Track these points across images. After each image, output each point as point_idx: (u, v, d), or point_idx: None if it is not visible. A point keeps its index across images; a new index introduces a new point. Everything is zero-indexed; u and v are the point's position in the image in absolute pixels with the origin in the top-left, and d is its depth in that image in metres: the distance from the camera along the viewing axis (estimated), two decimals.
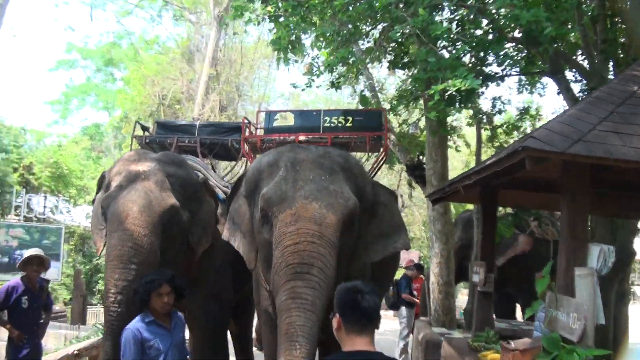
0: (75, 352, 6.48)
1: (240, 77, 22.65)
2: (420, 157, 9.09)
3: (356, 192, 4.33)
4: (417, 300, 10.03)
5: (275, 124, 8.11)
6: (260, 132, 8.26)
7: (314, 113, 8.60)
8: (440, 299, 7.73)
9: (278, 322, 3.72)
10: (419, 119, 10.70)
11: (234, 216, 4.94)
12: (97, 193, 5.94)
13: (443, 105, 5.91)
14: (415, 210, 22.43)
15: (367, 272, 4.89)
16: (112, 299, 4.58)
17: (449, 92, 5.45)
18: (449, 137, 11.50)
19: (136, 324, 3.95)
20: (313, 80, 7.57)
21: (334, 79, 7.67)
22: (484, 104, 10.36)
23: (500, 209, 8.68)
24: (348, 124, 7.66)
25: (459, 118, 12.53)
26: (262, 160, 4.70)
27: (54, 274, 14.60)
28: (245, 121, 8.33)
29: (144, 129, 9.20)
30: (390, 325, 13.16)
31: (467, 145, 11.43)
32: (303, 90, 8.35)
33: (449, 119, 9.33)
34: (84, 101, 32.14)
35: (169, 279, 4.00)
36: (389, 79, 16.97)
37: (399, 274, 10.98)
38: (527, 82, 9.61)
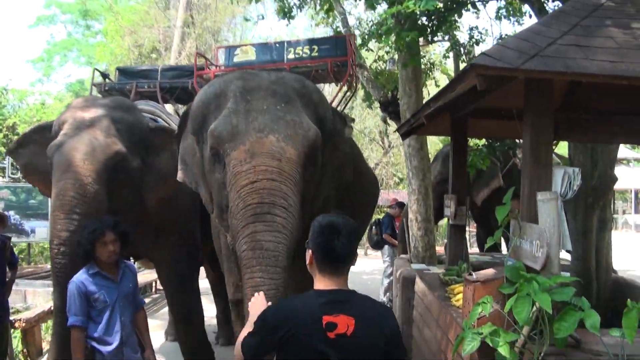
0: (52, 308, 6.34)
1: (217, 22, 22.12)
2: (394, 93, 8.81)
3: (317, 122, 3.92)
4: (396, 242, 9.95)
5: (235, 59, 7.74)
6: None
7: (277, 45, 8.20)
8: (420, 235, 7.59)
9: (242, 279, 3.37)
10: (394, 54, 10.36)
11: (185, 156, 4.47)
12: None
13: (411, 34, 5.65)
14: (402, 149, 22.27)
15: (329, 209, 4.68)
16: (56, 251, 4.43)
17: (412, 17, 5.16)
18: (429, 72, 11.27)
19: (80, 277, 3.79)
20: (290, 17, 7.20)
21: (286, 7, 7.31)
22: (462, 36, 9.98)
23: (477, 141, 8.51)
24: (314, 54, 7.32)
25: (440, 52, 12.24)
26: (207, 91, 4.12)
27: (43, 233, 14.45)
28: (199, 57, 7.94)
29: (104, 76, 8.88)
30: (376, 264, 13.13)
31: (450, 79, 11.12)
32: (255, 23, 8.04)
33: (430, 55, 9.03)
34: (66, 57, 31.68)
35: (113, 225, 3.79)
36: (368, 16, 16.51)
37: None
38: (505, 9, 9.23)
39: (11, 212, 14.00)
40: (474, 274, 3.43)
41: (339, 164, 4.34)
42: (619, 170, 6.04)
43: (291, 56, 7.31)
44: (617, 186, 6.58)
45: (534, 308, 2.88)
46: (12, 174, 18.86)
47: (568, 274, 4.43)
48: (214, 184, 3.92)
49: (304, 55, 7.30)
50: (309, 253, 2.38)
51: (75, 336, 3.76)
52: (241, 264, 3.35)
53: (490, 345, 2.93)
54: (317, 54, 7.30)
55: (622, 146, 9.76)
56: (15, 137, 21.54)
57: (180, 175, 4.47)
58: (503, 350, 2.86)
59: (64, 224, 4.42)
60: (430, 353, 4.62)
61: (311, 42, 7.73)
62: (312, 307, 2.24)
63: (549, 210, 3.14)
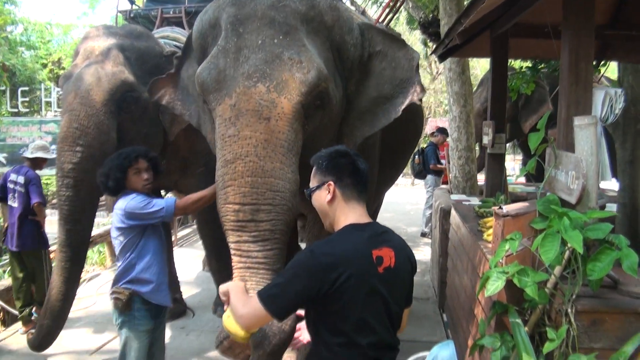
0: None
1: None
2: (435, 13, 8.31)
3: (333, 50, 3.41)
4: (443, 167, 9.68)
5: None
6: None
7: None
8: (460, 164, 7.26)
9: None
10: None
11: (188, 87, 4.02)
12: None
13: None
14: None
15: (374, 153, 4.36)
16: (60, 183, 4.38)
17: None
18: None
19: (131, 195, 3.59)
20: None
21: None
22: None
23: (521, 63, 7.98)
24: None
25: None
26: (202, 19, 3.53)
27: None
28: None
29: (131, 2, 8.65)
30: (421, 195, 12.91)
31: None
32: None
33: None
34: None
35: (144, 152, 3.62)
36: None
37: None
38: None
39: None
40: (504, 207, 3.15)
41: (374, 93, 3.73)
42: None
43: None
44: None
45: (566, 246, 2.61)
46: (58, 108, 19.18)
47: (614, 207, 4.10)
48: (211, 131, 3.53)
49: None
50: (328, 187, 2.19)
51: (184, 204, 3.67)
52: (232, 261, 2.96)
53: (518, 285, 2.68)
54: None
55: None
56: (62, 72, 21.89)
57: (178, 108, 4.15)
58: (531, 291, 2.61)
59: (68, 155, 4.35)
60: (462, 289, 4.41)
61: None
62: (361, 243, 2.11)
63: (587, 136, 2.80)
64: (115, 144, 4.55)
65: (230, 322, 2.15)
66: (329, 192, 2.19)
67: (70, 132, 4.40)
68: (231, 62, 3.11)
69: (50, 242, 6.32)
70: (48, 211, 6.61)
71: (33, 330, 4.96)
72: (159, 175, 3.84)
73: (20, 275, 6.00)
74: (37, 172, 6.07)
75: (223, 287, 2.26)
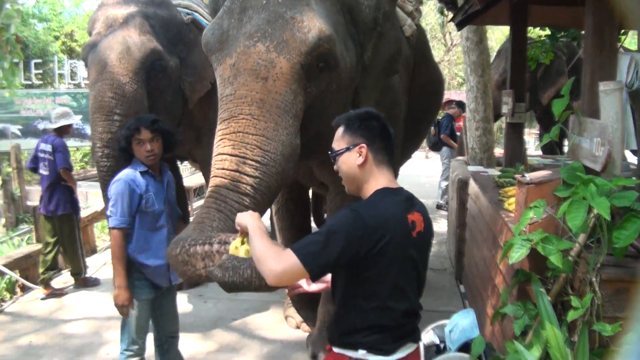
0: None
1: None
2: None
3: (344, 12, 3.30)
4: (455, 144, 9.61)
5: None
6: None
7: None
8: (477, 135, 7.18)
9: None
10: None
11: None
12: None
13: None
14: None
15: (399, 123, 4.22)
16: (100, 154, 4.40)
17: None
18: None
19: (129, 174, 3.44)
20: None
21: None
22: None
23: (539, 32, 7.85)
24: None
25: None
26: None
27: None
28: None
29: None
30: (435, 167, 12.84)
31: None
32: None
33: None
34: None
35: (150, 123, 3.42)
36: None
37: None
38: None
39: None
40: (527, 175, 3.12)
41: (388, 57, 3.67)
42: None
43: None
44: None
45: (591, 214, 2.57)
46: (71, 80, 19.22)
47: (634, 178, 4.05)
48: None
49: None
50: (360, 150, 2.10)
51: (117, 240, 3.41)
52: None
53: (541, 253, 2.66)
54: None
55: None
56: (74, 44, 21.89)
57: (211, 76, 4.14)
58: (555, 259, 2.59)
59: (105, 125, 4.36)
60: (481, 259, 4.40)
61: None
62: (397, 207, 2.06)
63: (613, 102, 2.75)
64: (147, 112, 4.54)
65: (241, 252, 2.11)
66: (360, 154, 2.10)
67: (106, 102, 4.40)
68: (235, 22, 3.07)
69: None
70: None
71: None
72: (173, 147, 3.68)
73: (51, 240, 6.19)
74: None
75: (242, 218, 2.12)
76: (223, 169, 2.79)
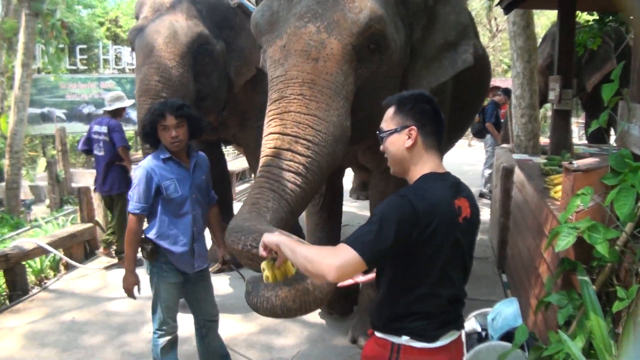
0: None
1: None
2: None
3: None
4: (498, 134, 9.43)
5: None
6: None
7: None
8: (522, 123, 7.03)
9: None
10: None
11: None
12: None
13: None
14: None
15: (444, 109, 3.99)
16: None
17: None
18: None
19: (150, 162, 3.45)
20: None
21: None
22: None
23: (587, 17, 7.64)
24: None
25: None
26: None
27: None
28: None
29: None
30: (479, 155, 12.68)
31: None
32: None
33: None
34: None
35: (175, 108, 3.36)
36: None
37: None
38: None
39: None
40: (575, 162, 3.05)
41: (442, 43, 3.56)
42: None
43: None
44: None
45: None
46: (116, 65, 19.57)
47: None
48: None
49: None
50: (409, 133, 2.06)
51: (132, 225, 3.47)
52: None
53: (588, 241, 2.60)
54: None
55: None
56: (118, 30, 22.23)
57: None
58: (601, 248, 2.53)
59: None
60: (525, 247, 4.33)
61: None
62: (445, 192, 2.03)
63: None
64: (194, 97, 4.61)
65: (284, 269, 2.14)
66: (409, 137, 2.06)
67: (152, 85, 4.46)
68: (285, 3, 3.07)
69: None
70: None
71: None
72: (200, 133, 3.64)
73: (110, 215, 6.74)
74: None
75: (270, 238, 2.05)
76: (275, 147, 2.80)
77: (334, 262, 1.84)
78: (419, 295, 2.02)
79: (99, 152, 6.26)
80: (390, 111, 2.12)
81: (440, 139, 2.14)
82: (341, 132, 2.91)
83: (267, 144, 2.86)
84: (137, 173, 3.45)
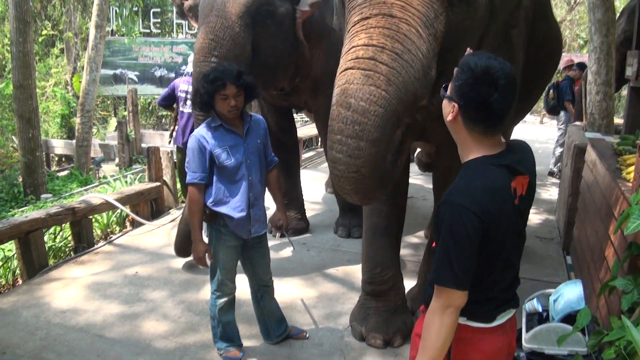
0: None
1: None
2: None
3: None
4: (573, 111, 9.09)
5: None
6: None
7: None
8: (597, 100, 6.71)
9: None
10: None
11: None
12: None
13: None
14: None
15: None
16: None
17: None
18: None
19: (201, 131, 3.47)
20: None
21: None
22: None
23: None
24: None
25: None
26: None
27: None
28: None
29: None
30: (551, 133, 12.30)
31: None
32: None
33: None
34: None
35: (235, 77, 3.32)
36: None
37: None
38: None
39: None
40: None
41: (512, 7, 3.31)
42: None
43: None
44: None
45: None
46: (189, 30, 19.85)
47: None
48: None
49: None
50: (452, 106, 1.91)
51: (193, 195, 3.50)
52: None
53: None
54: None
55: None
56: None
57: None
58: None
59: (204, 66, 4.37)
60: (593, 229, 4.18)
61: None
62: (500, 180, 1.90)
63: None
64: (250, 57, 4.60)
65: None
66: (452, 112, 1.91)
67: (206, 44, 4.49)
68: None
69: None
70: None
71: None
72: (253, 99, 3.68)
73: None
74: None
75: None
76: (357, 58, 2.54)
77: (439, 318, 1.86)
78: (484, 285, 1.95)
79: (183, 108, 6.34)
80: (455, 71, 1.93)
81: (490, 125, 1.91)
82: (423, 74, 2.61)
83: (347, 57, 2.59)
84: (189, 144, 3.49)
